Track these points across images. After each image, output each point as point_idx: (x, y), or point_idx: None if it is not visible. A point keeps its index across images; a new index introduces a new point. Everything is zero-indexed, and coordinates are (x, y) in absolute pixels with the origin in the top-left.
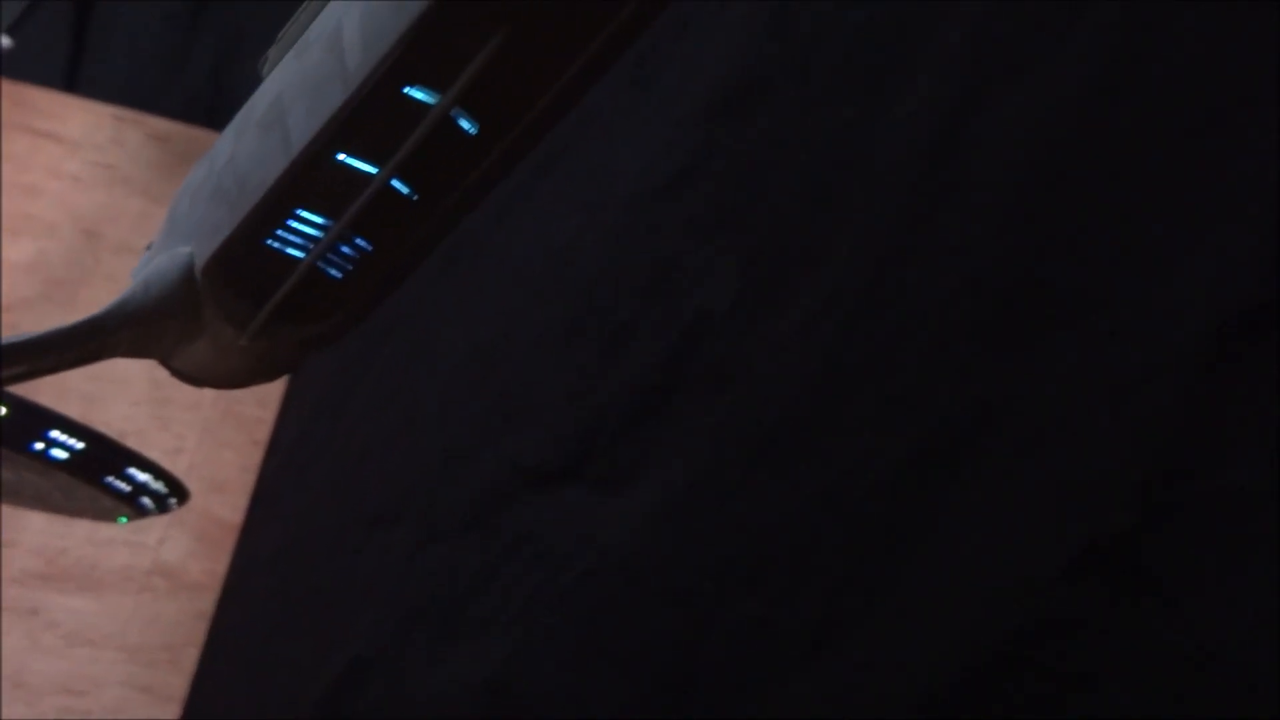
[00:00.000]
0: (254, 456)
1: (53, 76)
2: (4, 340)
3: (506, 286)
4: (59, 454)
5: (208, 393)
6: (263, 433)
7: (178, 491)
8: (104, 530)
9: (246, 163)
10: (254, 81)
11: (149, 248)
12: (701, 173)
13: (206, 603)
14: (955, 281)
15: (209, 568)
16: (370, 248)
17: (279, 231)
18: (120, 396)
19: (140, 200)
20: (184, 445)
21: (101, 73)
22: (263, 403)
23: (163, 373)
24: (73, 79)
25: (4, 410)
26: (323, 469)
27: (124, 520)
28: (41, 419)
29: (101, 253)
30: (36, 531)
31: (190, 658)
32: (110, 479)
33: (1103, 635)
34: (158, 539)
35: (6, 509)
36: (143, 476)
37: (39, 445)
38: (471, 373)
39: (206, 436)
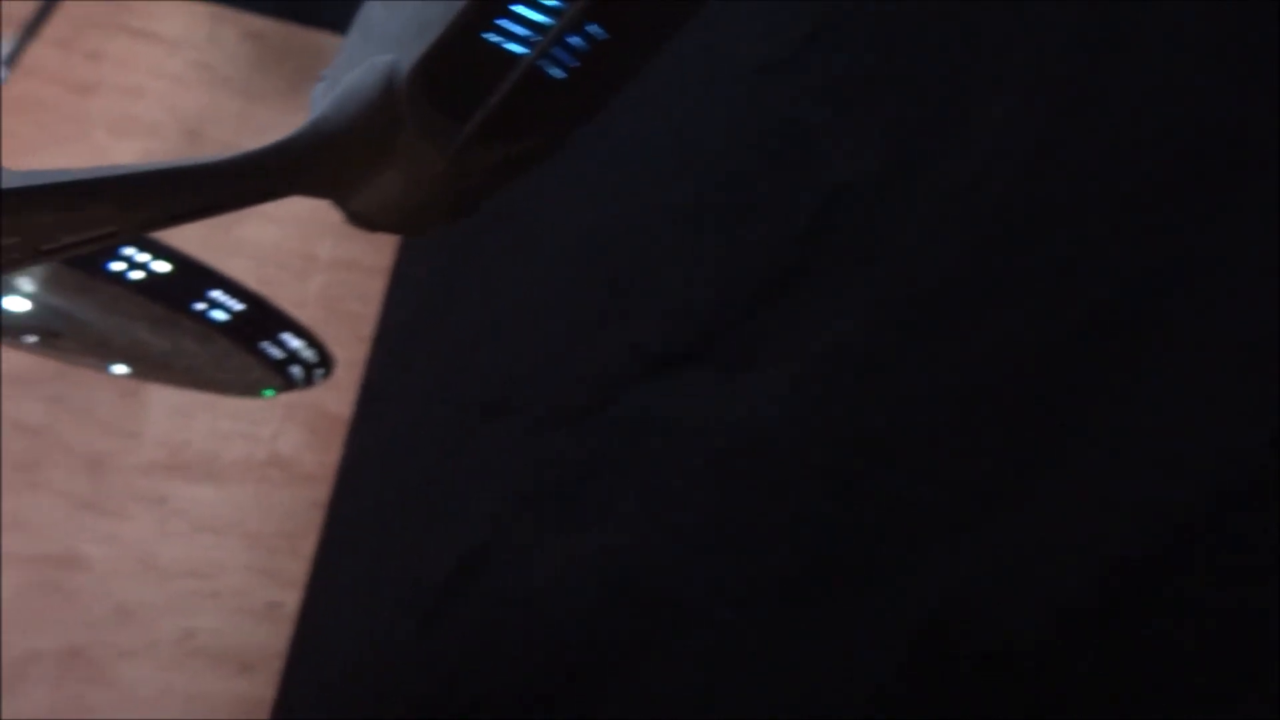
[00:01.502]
0: (359, 351)
1: None
2: (169, 166)
3: (621, 166)
4: (219, 315)
5: (311, 291)
6: (367, 328)
7: (325, 361)
8: (223, 423)
9: None
10: None
11: (323, 78)
12: (833, 36)
13: (320, 492)
14: (1135, 135)
15: (321, 459)
16: (606, 35)
17: (500, 21)
18: None
19: (239, 99)
20: None
21: None
22: (365, 299)
23: (266, 270)
24: None
25: (169, 266)
26: (429, 361)
27: (269, 393)
28: (205, 277)
29: (204, 152)
30: (160, 425)
31: (308, 544)
32: (265, 344)
33: None
34: (272, 432)
35: (132, 402)
36: (295, 343)
37: (200, 305)
38: (584, 258)
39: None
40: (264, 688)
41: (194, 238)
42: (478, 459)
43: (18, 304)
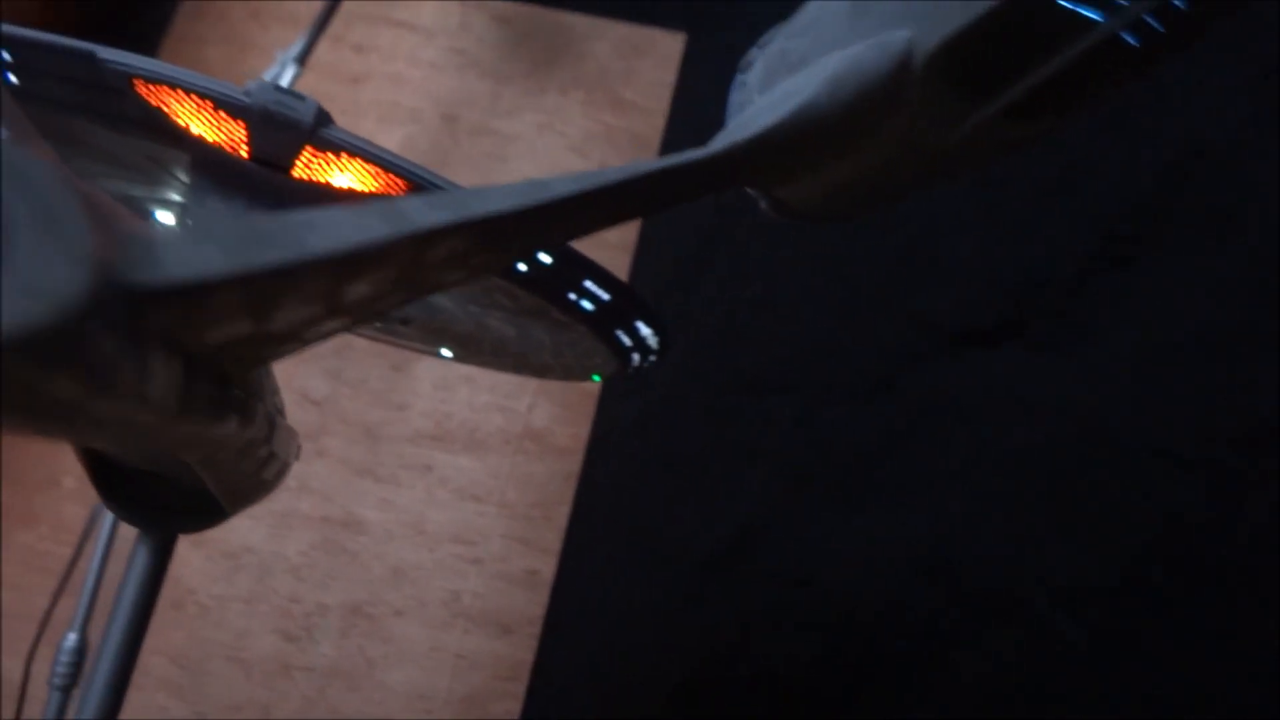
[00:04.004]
0: None
1: None
2: (654, 167)
3: None
4: (586, 305)
5: None
6: None
7: (664, 348)
8: (481, 396)
9: None
10: None
11: (743, 69)
12: None
13: (573, 465)
14: None
15: (574, 432)
16: (1186, 5)
17: None
18: None
19: (489, 82)
20: None
21: None
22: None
23: None
24: None
25: (550, 257)
26: (682, 337)
27: (596, 378)
28: (582, 267)
29: (459, 135)
30: (426, 397)
31: (562, 515)
32: (620, 332)
33: None
34: (527, 405)
35: (401, 376)
36: (645, 330)
37: (573, 296)
38: (866, 224)
39: None
40: (523, 651)
41: None
42: (745, 436)
43: None
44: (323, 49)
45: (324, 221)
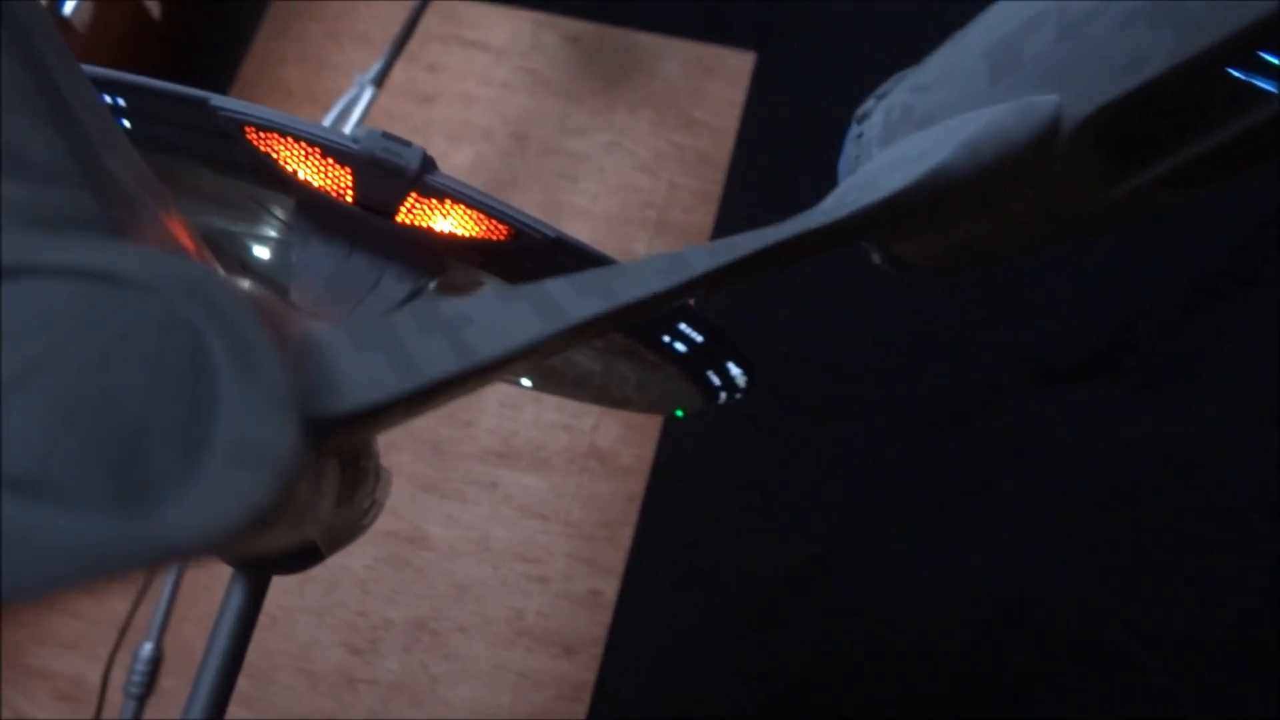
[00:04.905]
0: None
1: None
2: (803, 229)
3: None
4: (680, 347)
5: None
6: None
7: (750, 386)
8: (547, 415)
9: None
10: None
11: (859, 120)
12: None
13: (637, 485)
14: None
15: (638, 453)
16: None
17: (1254, 56)
18: None
19: (559, 101)
20: None
21: None
22: None
23: None
24: None
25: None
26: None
27: (680, 414)
28: (677, 310)
29: (528, 155)
30: (492, 415)
31: (625, 535)
32: (710, 373)
33: None
34: (592, 425)
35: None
36: (736, 370)
37: (668, 338)
38: None
39: None
40: (585, 671)
41: None
42: (816, 463)
43: None
44: (396, 68)
45: (481, 318)
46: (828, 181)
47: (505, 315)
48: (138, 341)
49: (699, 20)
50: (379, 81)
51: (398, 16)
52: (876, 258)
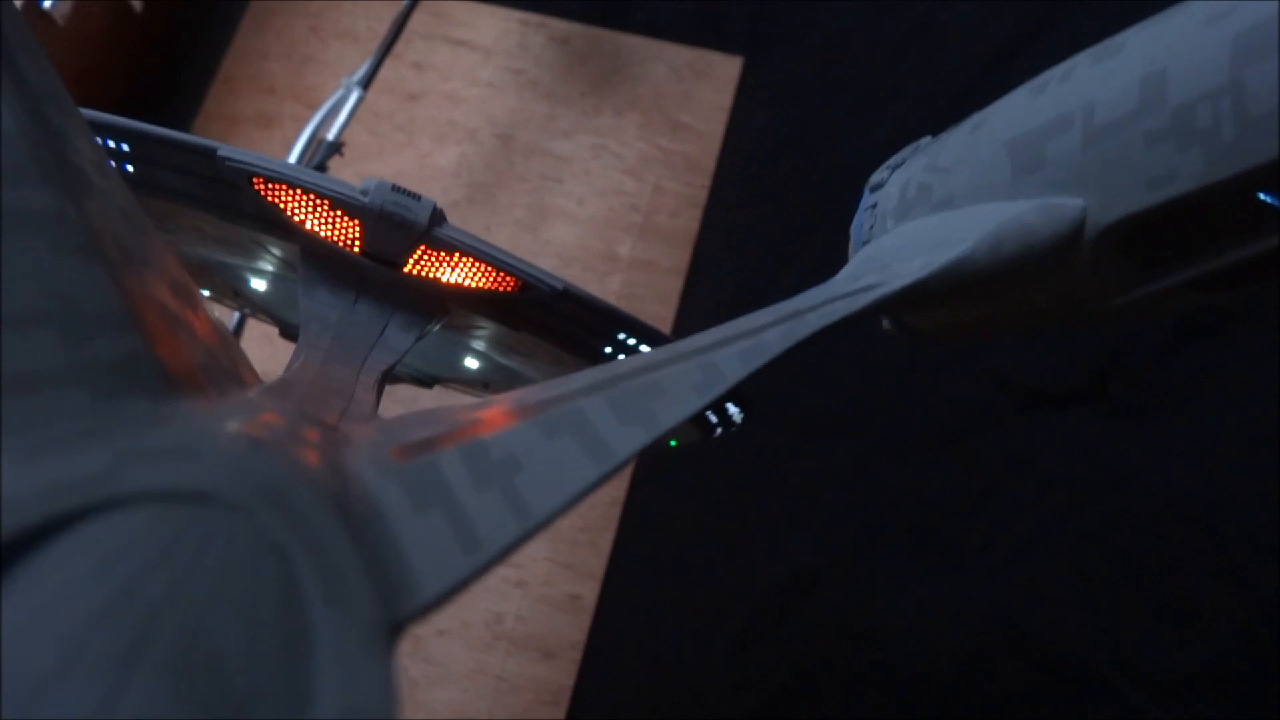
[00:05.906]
0: None
1: None
2: (839, 315)
3: None
4: None
5: (612, 290)
6: (665, 330)
7: (747, 420)
8: None
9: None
10: None
11: (873, 188)
12: None
13: (619, 491)
14: None
15: None
16: None
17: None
18: None
19: (545, 103)
20: None
21: None
22: (664, 299)
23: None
24: None
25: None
26: None
27: (673, 444)
28: None
29: (514, 156)
30: None
31: (606, 540)
32: (710, 413)
33: None
34: None
35: (448, 397)
36: (733, 409)
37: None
38: None
39: None
40: (565, 676)
41: (503, 239)
42: (802, 478)
43: (472, 363)
44: (383, 67)
45: (530, 462)
46: (813, 189)
47: (553, 457)
48: (231, 581)
49: (690, 24)
50: (366, 84)
51: (381, 12)
52: (887, 324)
